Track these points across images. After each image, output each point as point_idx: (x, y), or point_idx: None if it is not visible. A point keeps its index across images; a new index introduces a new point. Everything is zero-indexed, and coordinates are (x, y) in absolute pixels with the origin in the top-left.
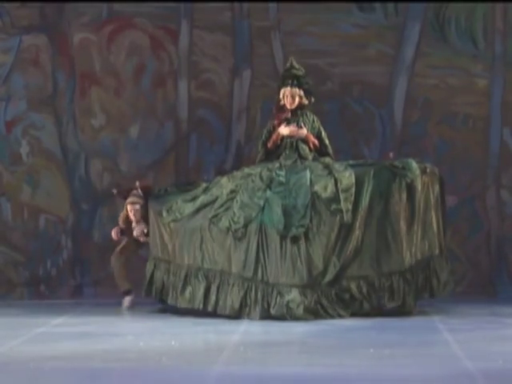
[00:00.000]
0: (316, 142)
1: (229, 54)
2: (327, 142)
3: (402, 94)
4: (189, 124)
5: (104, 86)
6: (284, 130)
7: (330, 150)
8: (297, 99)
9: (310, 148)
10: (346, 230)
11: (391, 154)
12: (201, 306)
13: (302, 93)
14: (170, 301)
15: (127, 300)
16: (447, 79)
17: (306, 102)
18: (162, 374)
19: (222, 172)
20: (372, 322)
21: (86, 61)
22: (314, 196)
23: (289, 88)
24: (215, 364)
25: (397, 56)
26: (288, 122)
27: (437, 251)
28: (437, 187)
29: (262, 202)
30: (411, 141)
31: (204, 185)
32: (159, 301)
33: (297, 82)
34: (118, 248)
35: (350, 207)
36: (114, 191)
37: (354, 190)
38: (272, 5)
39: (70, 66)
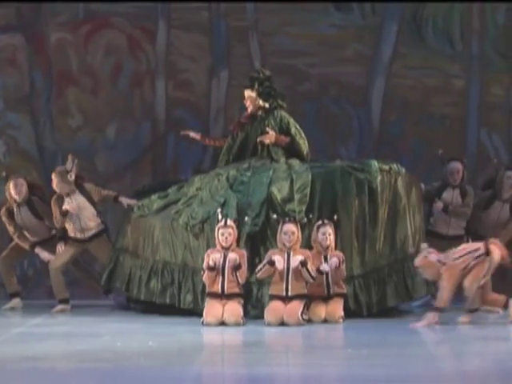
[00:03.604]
0: (287, 140)
1: (206, 54)
2: (297, 140)
3: (379, 95)
4: (166, 124)
5: (81, 86)
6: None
7: (303, 149)
8: (253, 102)
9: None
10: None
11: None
12: (163, 300)
13: (254, 94)
14: (134, 294)
15: (60, 307)
16: (424, 80)
17: (261, 104)
18: (139, 374)
19: (199, 172)
20: (350, 322)
21: (62, 60)
22: (271, 196)
23: (247, 90)
24: (193, 364)
25: (374, 56)
26: (247, 126)
27: (410, 252)
28: (405, 187)
29: (222, 200)
30: (388, 141)
31: (181, 183)
32: (124, 295)
33: (252, 84)
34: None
35: (304, 208)
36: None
37: (308, 190)
38: (249, 5)
39: (46, 66)
